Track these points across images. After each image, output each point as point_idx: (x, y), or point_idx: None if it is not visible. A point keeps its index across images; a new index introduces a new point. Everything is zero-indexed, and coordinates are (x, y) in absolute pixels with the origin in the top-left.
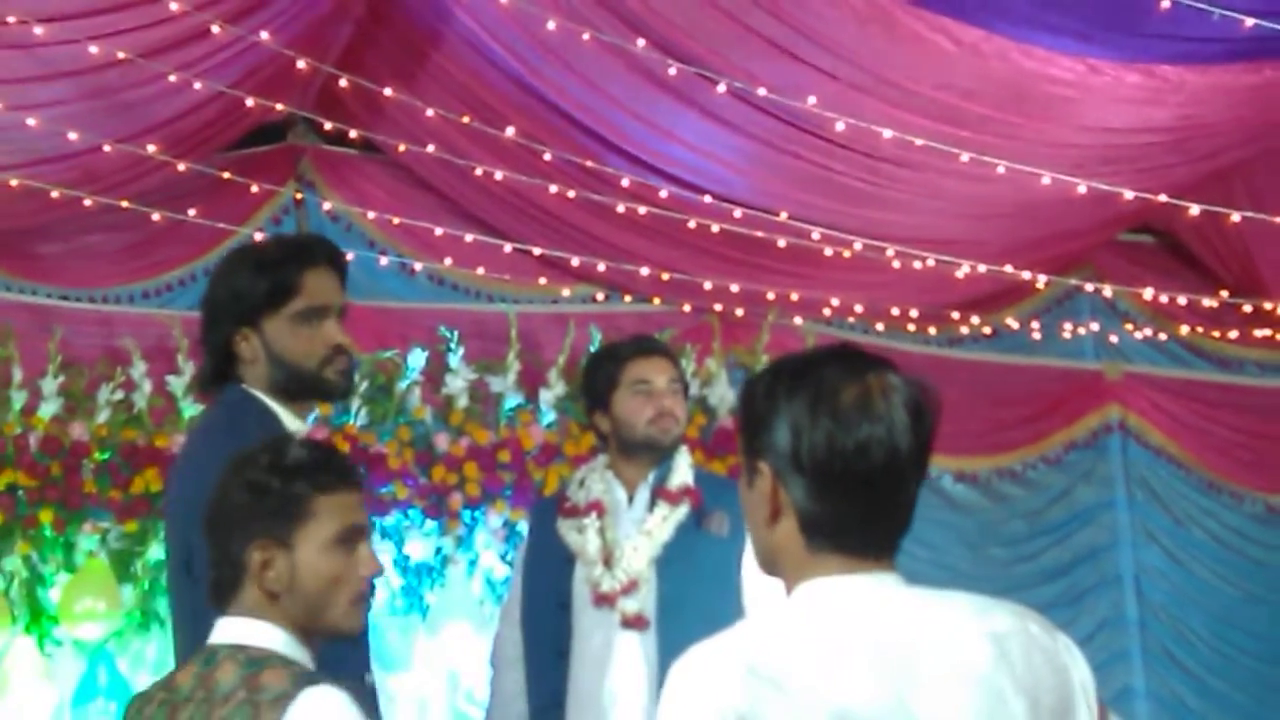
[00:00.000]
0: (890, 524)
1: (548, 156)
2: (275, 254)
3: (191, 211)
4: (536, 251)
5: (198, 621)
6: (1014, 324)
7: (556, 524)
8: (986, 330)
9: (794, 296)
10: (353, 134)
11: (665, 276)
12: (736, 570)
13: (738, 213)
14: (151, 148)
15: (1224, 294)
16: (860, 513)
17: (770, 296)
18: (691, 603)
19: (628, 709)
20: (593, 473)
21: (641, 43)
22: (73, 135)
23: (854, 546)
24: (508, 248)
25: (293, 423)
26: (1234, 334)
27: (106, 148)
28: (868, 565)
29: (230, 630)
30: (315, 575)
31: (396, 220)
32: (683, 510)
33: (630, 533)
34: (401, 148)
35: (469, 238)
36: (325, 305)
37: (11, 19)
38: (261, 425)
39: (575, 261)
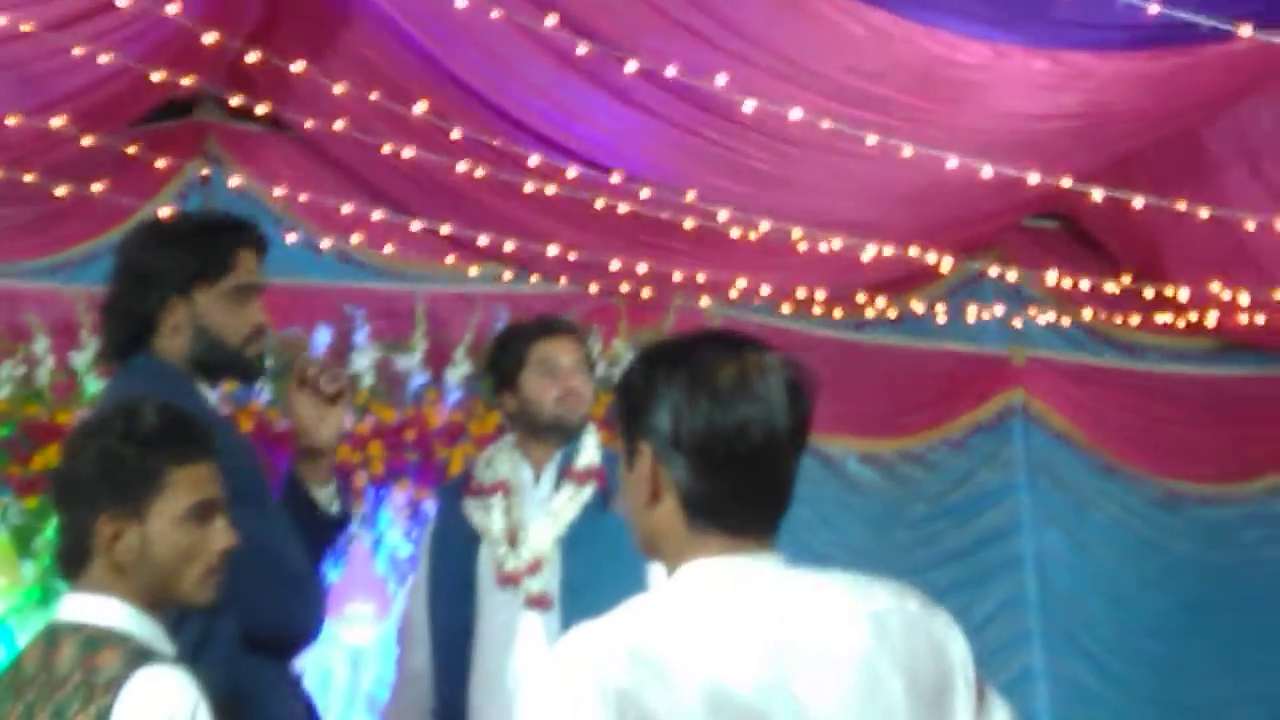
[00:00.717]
0: (770, 502)
1: (456, 135)
2: (213, 229)
3: (97, 186)
4: (444, 230)
5: None
6: (919, 307)
7: (463, 503)
8: (892, 313)
9: (700, 278)
10: (260, 110)
11: (572, 256)
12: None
13: (645, 193)
14: (57, 121)
15: (1126, 279)
16: (740, 491)
17: (677, 278)
18: (596, 583)
19: None
20: (500, 452)
21: (551, 21)
22: None
23: (735, 525)
24: (415, 226)
25: (208, 393)
26: (1136, 319)
27: (11, 121)
28: (749, 545)
29: (73, 607)
30: (167, 548)
31: (303, 197)
32: (589, 490)
33: (536, 513)
34: (309, 124)
35: (376, 215)
36: (255, 285)
37: None
38: (186, 393)
39: (482, 240)
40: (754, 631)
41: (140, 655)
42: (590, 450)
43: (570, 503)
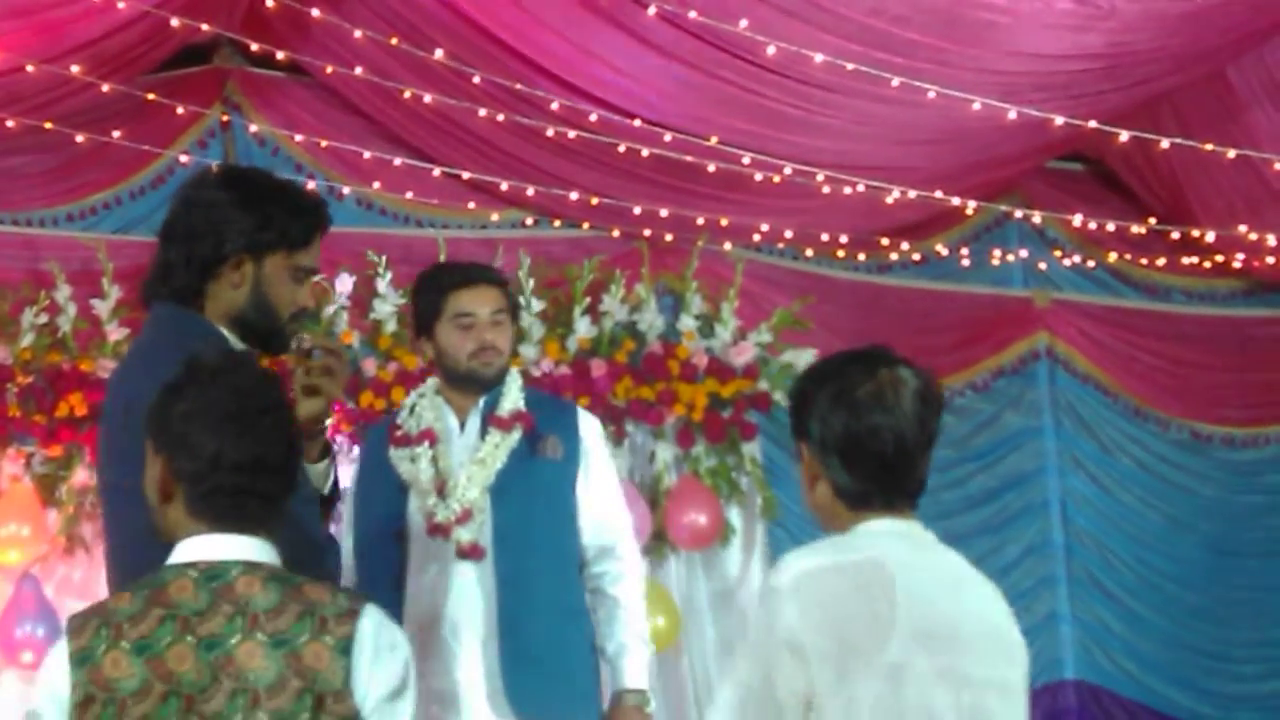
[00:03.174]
0: (906, 491)
1: (476, 80)
2: (305, 202)
3: (116, 134)
4: (465, 175)
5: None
6: (943, 250)
7: (389, 452)
8: (916, 256)
9: (724, 222)
10: (280, 56)
11: (594, 201)
12: (571, 494)
13: (667, 137)
14: (75, 69)
15: (1152, 221)
16: (878, 483)
17: (700, 222)
18: (527, 530)
19: (468, 638)
20: (423, 398)
21: None
22: None
23: (878, 507)
24: (436, 172)
25: (238, 345)
26: (1161, 261)
27: (29, 68)
28: (900, 515)
29: (219, 547)
30: None
31: (324, 143)
32: (515, 436)
33: (463, 460)
34: (329, 70)
35: (397, 161)
36: (314, 270)
37: None
38: (214, 348)
39: (504, 186)
40: (929, 572)
41: (357, 593)
42: (514, 395)
43: (497, 450)
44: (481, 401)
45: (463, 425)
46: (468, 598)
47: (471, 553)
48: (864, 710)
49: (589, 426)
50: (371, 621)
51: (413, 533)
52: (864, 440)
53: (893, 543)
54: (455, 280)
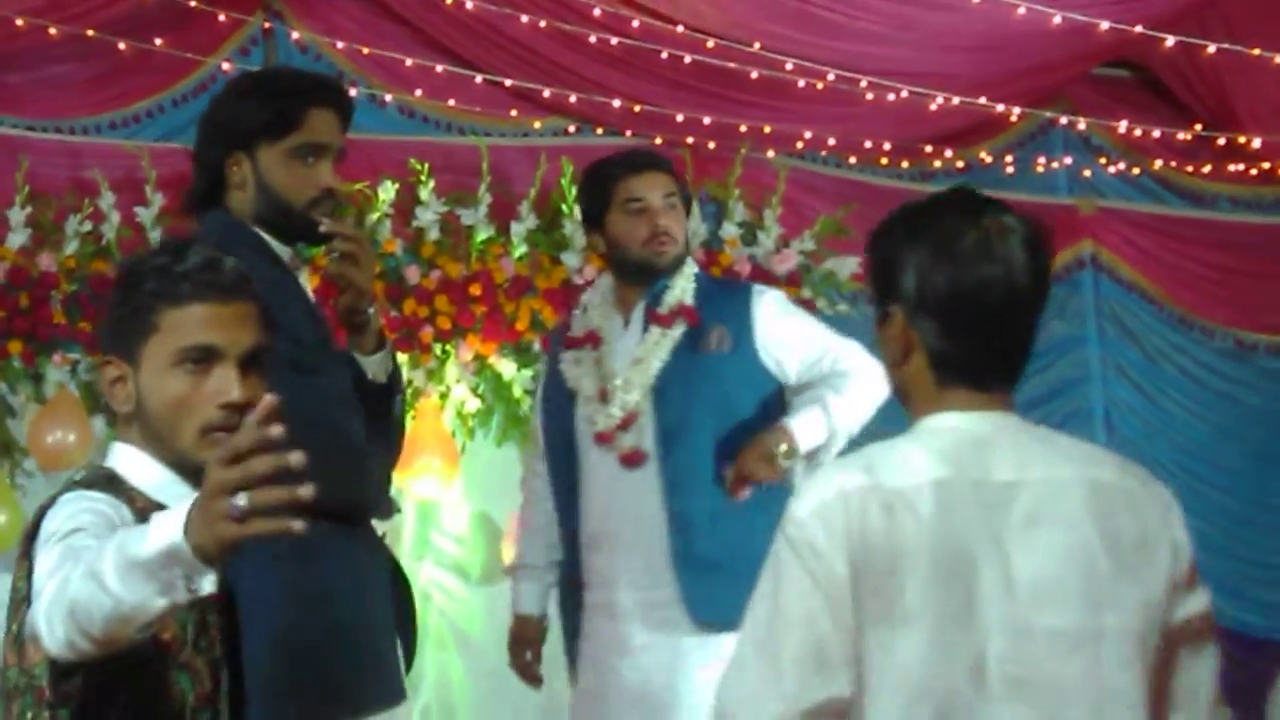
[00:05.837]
0: (1011, 357)
1: None
2: (283, 85)
3: (159, 41)
4: (507, 83)
5: None
6: (987, 158)
7: (561, 355)
8: (959, 164)
9: (766, 129)
10: None
11: (637, 109)
12: (741, 386)
13: (710, 44)
14: None
15: (1198, 128)
16: (983, 348)
17: (743, 129)
18: (692, 430)
19: (637, 548)
20: (595, 295)
21: None
22: None
23: (978, 380)
24: (478, 79)
25: (282, 250)
26: (1207, 169)
27: None
28: (991, 403)
29: (110, 455)
30: (156, 397)
31: (366, 51)
32: (677, 333)
33: (625, 362)
34: None
35: (439, 69)
36: (324, 145)
37: None
38: (251, 249)
39: (546, 93)
40: (978, 486)
41: (70, 484)
42: (680, 287)
43: (655, 348)
44: (646, 298)
45: (627, 323)
46: (636, 505)
47: (632, 459)
48: (899, 660)
49: (763, 301)
50: (49, 512)
51: (581, 441)
52: (972, 296)
53: (951, 449)
54: (624, 168)
